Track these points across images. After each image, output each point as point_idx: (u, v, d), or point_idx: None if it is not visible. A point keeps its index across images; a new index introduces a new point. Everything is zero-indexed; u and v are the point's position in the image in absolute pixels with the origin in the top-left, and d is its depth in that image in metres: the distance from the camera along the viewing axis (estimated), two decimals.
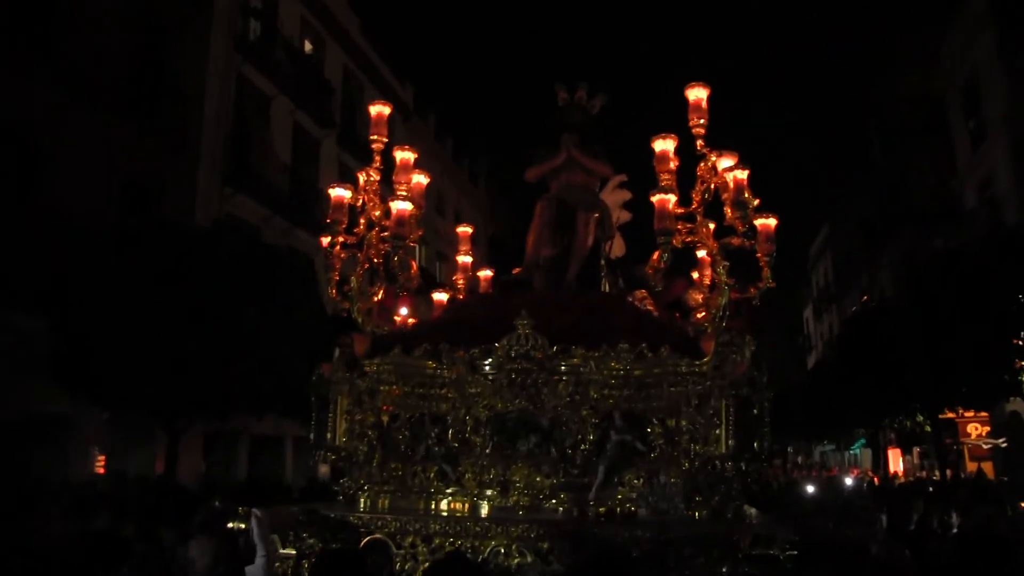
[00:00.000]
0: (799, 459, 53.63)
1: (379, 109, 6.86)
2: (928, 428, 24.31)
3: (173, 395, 13.66)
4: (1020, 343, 15.32)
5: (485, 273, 8.73)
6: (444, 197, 39.03)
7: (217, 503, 12.23)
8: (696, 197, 6.36)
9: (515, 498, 6.02)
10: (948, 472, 24.21)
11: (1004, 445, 25.81)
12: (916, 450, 34.85)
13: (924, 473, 31.00)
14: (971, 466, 27.74)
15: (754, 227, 6.30)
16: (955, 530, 12.08)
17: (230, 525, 6.09)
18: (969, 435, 27.69)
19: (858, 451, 44.87)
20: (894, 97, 35.41)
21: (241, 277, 13.78)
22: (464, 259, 8.46)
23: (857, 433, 36.23)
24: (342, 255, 6.66)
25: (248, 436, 21.96)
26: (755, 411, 5.94)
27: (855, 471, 39.65)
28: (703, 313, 6.38)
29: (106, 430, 17.05)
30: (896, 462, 37.06)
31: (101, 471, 17.02)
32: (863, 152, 41.89)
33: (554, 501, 6.01)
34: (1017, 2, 24.27)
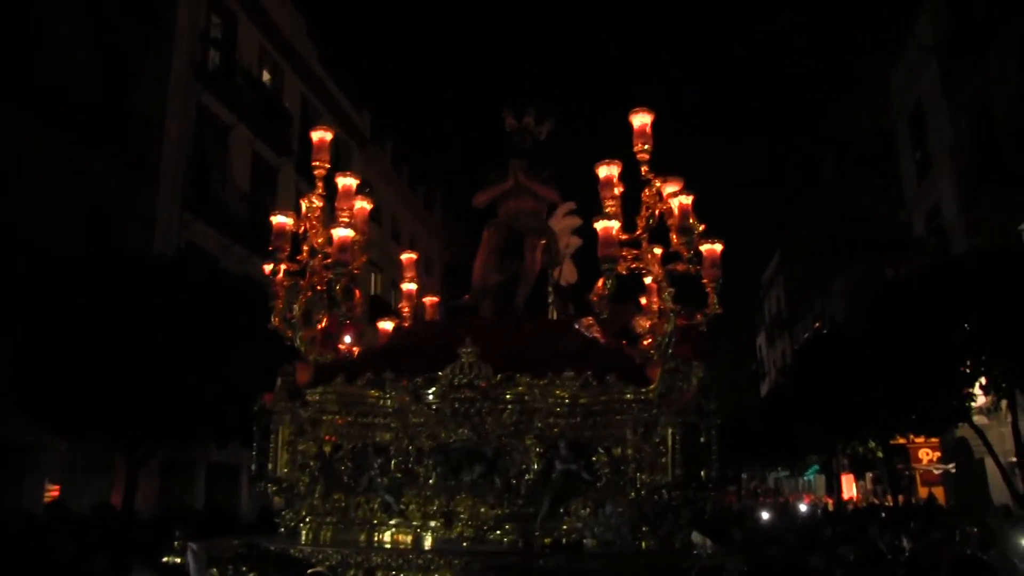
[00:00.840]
0: (753, 485, 53.62)
1: (321, 135, 6.67)
2: (880, 454, 24.39)
3: (136, 423, 13.50)
4: (967, 370, 15.36)
5: (431, 299, 8.54)
6: (400, 224, 38.85)
7: (177, 533, 12.01)
8: (641, 223, 6.23)
9: (459, 529, 5.84)
10: (900, 497, 24.28)
11: (953, 470, 25.93)
12: (869, 475, 34.94)
13: (876, 499, 31.08)
14: (923, 491, 27.91)
15: (700, 253, 6.18)
16: (906, 554, 12.07)
17: (165, 559, 5.80)
18: (921, 460, 27.83)
19: (812, 477, 44.93)
20: (846, 126, 35.71)
21: (204, 306, 13.64)
22: (409, 286, 8.27)
23: (811, 459, 36.28)
24: (285, 283, 6.45)
25: (205, 464, 21.64)
26: (702, 439, 5.79)
27: (809, 497, 39.67)
28: (649, 340, 6.24)
29: (61, 459, 16.74)
30: (849, 487, 37.16)
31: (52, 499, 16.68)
32: (814, 179, 42.18)
33: (499, 532, 5.82)
34: (960, 38, 24.54)
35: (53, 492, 16.80)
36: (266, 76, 27.90)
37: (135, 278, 13.81)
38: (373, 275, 34.29)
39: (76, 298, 13.17)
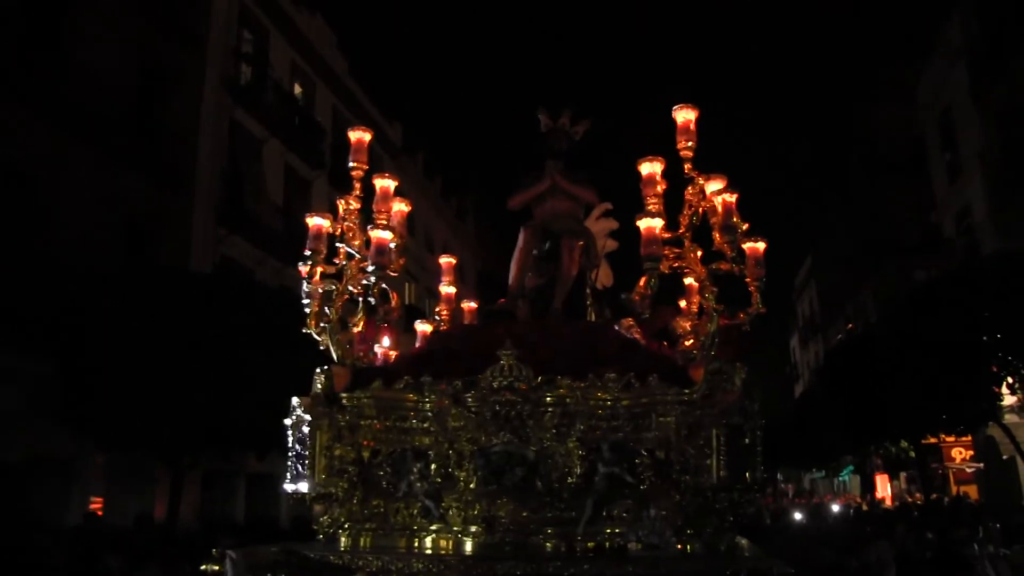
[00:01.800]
0: (788, 487, 53.13)
1: (359, 136, 6.50)
2: (912, 454, 24.11)
3: (179, 435, 13.62)
4: (995, 370, 15.25)
5: (469, 304, 8.37)
6: (432, 233, 38.81)
7: (224, 542, 11.99)
8: (683, 221, 6.01)
9: (501, 534, 5.64)
10: (933, 496, 24.05)
11: (983, 468, 25.69)
12: (903, 475, 34.53)
13: (909, 498, 30.67)
14: (956, 489, 27.63)
15: (743, 252, 5.97)
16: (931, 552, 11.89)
17: (203, 568, 5.66)
18: (953, 459, 27.47)
19: (847, 478, 44.49)
20: (875, 130, 35.38)
21: (241, 319, 13.75)
22: (447, 290, 8.09)
23: (845, 460, 35.89)
24: (321, 286, 6.30)
25: (244, 474, 21.64)
26: (747, 440, 5.58)
27: (845, 497, 39.22)
28: (691, 340, 6.04)
29: (103, 472, 16.81)
30: (884, 487, 36.74)
31: (98, 513, 16.75)
32: (844, 183, 41.83)
33: (541, 537, 5.62)
34: (989, 41, 24.25)
35: (96, 505, 16.88)
36: (297, 90, 27.97)
37: (174, 292, 13.92)
38: (407, 284, 34.26)
39: (116, 313, 13.25)
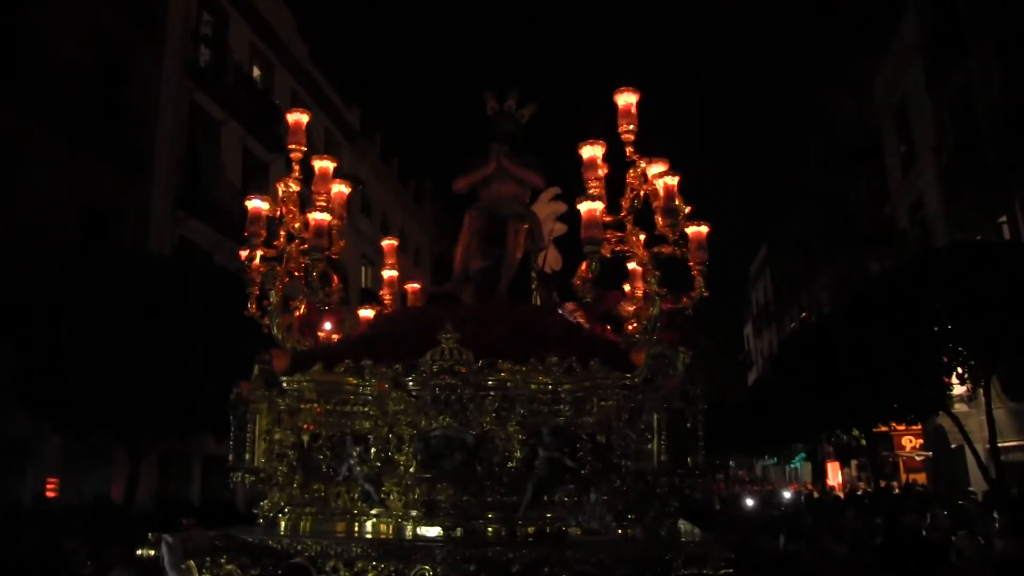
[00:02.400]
0: (740, 473, 53.46)
1: (296, 117, 6.37)
2: (863, 442, 24.32)
3: (138, 417, 13.49)
4: (945, 360, 15.39)
5: (413, 286, 8.26)
6: (390, 217, 38.56)
7: (184, 522, 11.86)
8: (625, 204, 5.95)
9: (441, 519, 5.55)
10: (882, 483, 24.29)
11: (932, 457, 26.02)
12: (854, 463, 34.82)
13: (861, 485, 30.97)
14: (907, 477, 27.91)
15: (686, 235, 5.91)
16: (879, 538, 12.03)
17: (139, 552, 5.52)
18: (904, 447, 27.71)
19: (799, 465, 44.83)
20: (832, 120, 35.56)
21: (200, 302, 13.56)
22: (390, 273, 7.99)
23: (797, 447, 36.15)
24: (261, 268, 6.17)
25: (201, 456, 21.45)
26: (688, 425, 5.53)
27: (795, 485, 39.54)
28: (634, 324, 5.97)
29: (59, 453, 16.64)
30: (835, 475, 37.06)
31: (52, 494, 16.61)
32: (801, 173, 42.04)
33: (481, 521, 5.55)
34: (944, 36, 24.43)
35: (51, 486, 16.74)
36: (257, 73, 27.63)
37: (133, 275, 13.75)
38: (364, 268, 34.02)
39: (75, 295, 13.11)
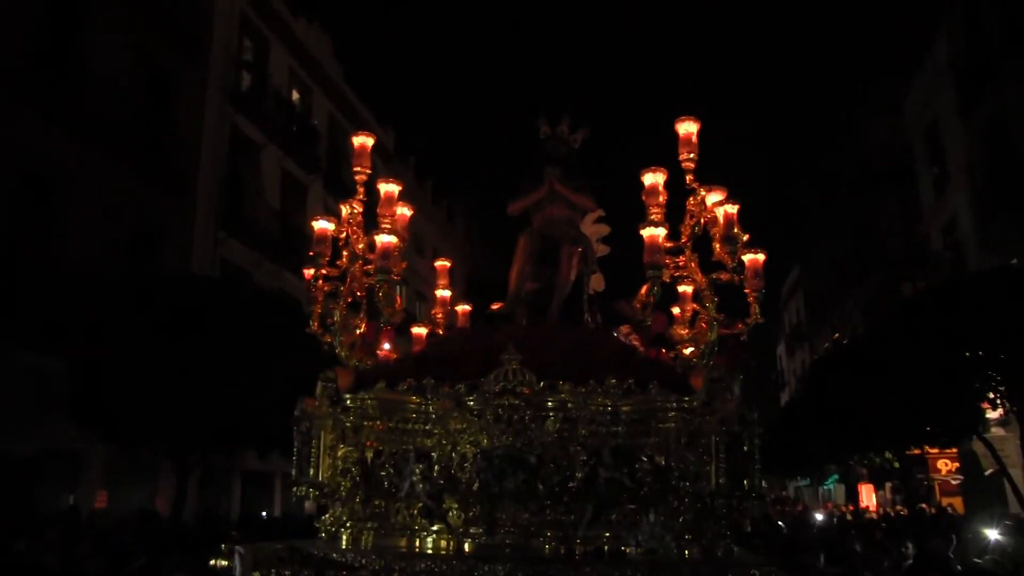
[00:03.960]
0: (772, 494, 53.06)
1: (362, 140, 6.52)
2: (896, 465, 24.12)
3: (186, 433, 13.86)
4: (978, 386, 15.27)
5: (464, 307, 8.37)
6: (423, 237, 38.82)
7: (234, 533, 12.02)
8: (685, 232, 6.05)
9: (501, 536, 5.63)
10: (921, 506, 24.04)
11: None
12: (888, 485, 34.52)
13: (899, 508, 30.69)
14: (943, 501, 27.59)
15: (742, 262, 5.98)
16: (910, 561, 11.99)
17: (212, 562, 5.66)
18: (939, 471, 27.47)
19: (832, 486, 44.48)
20: (863, 142, 35.46)
21: (246, 322, 13.88)
22: (443, 293, 8.12)
23: (829, 469, 35.86)
24: (325, 288, 6.31)
25: (239, 471, 21.71)
26: (745, 448, 5.59)
27: (829, 506, 39.22)
28: (691, 349, 6.04)
29: (108, 466, 17.02)
30: (869, 497, 36.73)
31: (101, 505, 17.04)
32: (832, 194, 41.88)
33: (541, 539, 5.61)
34: (975, 59, 24.36)
35: (102, 497, 17.15)
36: (295, 96, 27.99)
37: (180, 295, 14.16)
38: (399, 287, 34.21)
39: (125, 315, 13.39)
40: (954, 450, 25.13)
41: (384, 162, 34.45)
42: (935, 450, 24.50)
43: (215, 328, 13.44)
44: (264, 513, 21.69)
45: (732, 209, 5.88)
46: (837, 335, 35.68)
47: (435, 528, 5.83)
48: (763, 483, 5.56)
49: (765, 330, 63.25)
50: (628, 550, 5.54)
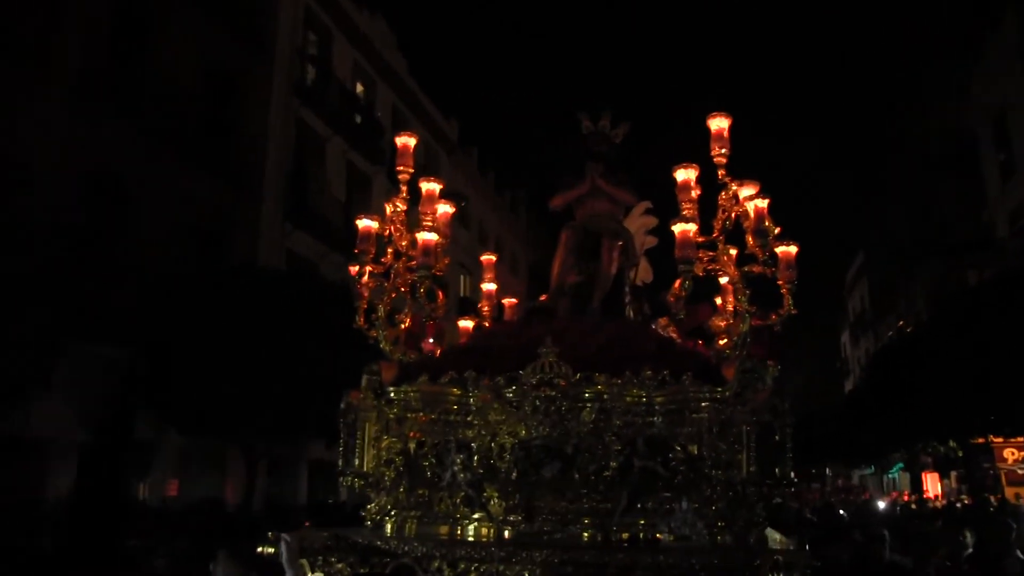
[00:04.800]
0: (839, 482, 52.45)
1: (404, 140, 6.69)
2: (960, 453, 23.75)
3: (254, 422, 14.17)
4: None
5: (510, 300, 8.51)
6: (486, 227, 39.03)
7: (307, 524, 12.34)
8: (717, 225, 6.14)
9: (539, 524, 5.78)
10: (987, 495, 23.67)
11: None
12: (953, 474, 33.97)
13: (964, 497, 30.19)
14: (1009, 491, 27.04)
15: (775, 255, 6.04)
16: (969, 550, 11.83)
17: (259, 549, 5.89)
18: (1006, 460, 26.95)
19: (896, 475, 43.86)
20: (926, 127, 34.78)
21: (314, 314, 14.19)
22: (488, 286, 8.27)
23: (894, 457, 35.39)
24: (370, 284, 6.51)
25: (306, 461, 22.08)
26: (776, 437, 5.65)
27: (894, 494, 38.70)
28: (725, 340, 6.12)
29: (179, 455, 17.46)
30: (934, 486, 36.17)
31: (173, 493, 17.48)
32: (897, 180, 41.16)
33: (578, 526, 5.76)
34: None
35: (174, 485, 17.62)
36: (359, 89, 28.31)
37: (249, 288, 14.48)
38: (462, 277, 34.48)
39: (196, 307, 13.75)
40: (1020, 439, 24.62)
41: (448, 153, 34.71)
42: (1000, 439, 24.05)
43: (282, 319, 13.76)
44: (331, 500, 22.07)
45: (763, 203, 5.95)
46: (901, 322, 35.14)
47: (476, 516, 5.99)
48: (791, 471, 5.59)
49: (829, 318, 62.48)
50: (662, 537, 5.65)
